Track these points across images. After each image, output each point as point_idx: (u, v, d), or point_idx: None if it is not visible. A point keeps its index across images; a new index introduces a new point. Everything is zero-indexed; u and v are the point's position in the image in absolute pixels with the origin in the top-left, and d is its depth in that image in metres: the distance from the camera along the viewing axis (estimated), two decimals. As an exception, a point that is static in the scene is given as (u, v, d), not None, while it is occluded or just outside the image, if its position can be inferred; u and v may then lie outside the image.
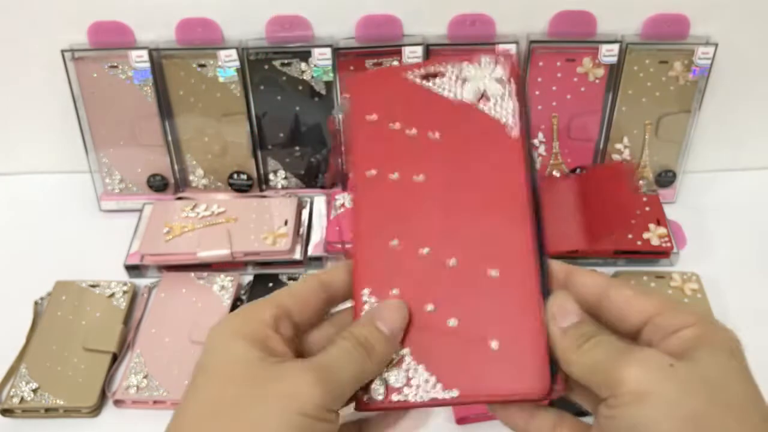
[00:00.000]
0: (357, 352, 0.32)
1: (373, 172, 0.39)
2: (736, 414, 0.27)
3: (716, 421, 0.27)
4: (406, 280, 0.36)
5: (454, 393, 0.34)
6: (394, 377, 0.35)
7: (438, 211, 0.37)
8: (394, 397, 0.34)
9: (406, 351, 0.35)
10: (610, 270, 0.78)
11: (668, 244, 0.78)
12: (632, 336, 0.33)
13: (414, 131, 0.39)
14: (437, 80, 0.39)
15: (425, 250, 0.36)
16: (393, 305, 0.35)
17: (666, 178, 0.87)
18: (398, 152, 0.39)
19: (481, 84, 0.39)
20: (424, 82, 0.40)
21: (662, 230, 0.79)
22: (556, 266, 0.36)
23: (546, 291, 0.35)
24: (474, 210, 0.37)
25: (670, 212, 0.83)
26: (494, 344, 0.34)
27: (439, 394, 0.34)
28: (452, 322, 0.35)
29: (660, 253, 0.79)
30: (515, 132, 0.38)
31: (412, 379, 0.34)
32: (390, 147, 0.39)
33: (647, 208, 0.81)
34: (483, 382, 0.34)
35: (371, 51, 0.80)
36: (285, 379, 0.30)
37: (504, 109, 0.38)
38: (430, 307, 0.36)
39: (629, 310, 0.32)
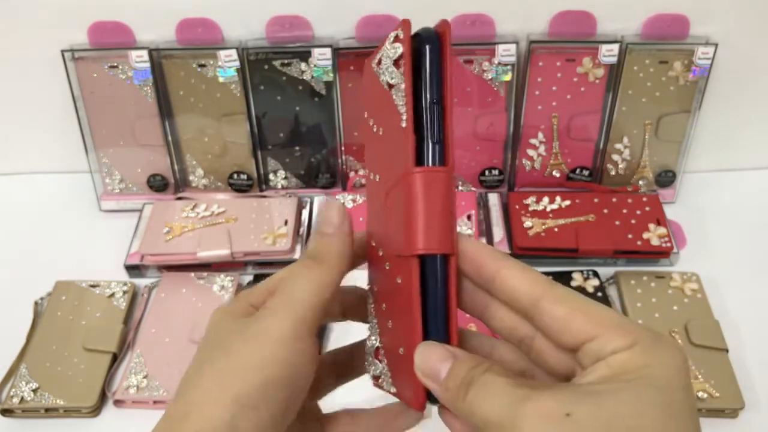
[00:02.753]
0: (310, 267, 0.34)
1: (365, 173, 0.38)
2: None
3: None
4: (375, 282, 0.37)
5: (394, 390, 0.35)
6: (373, 368, 0.36)
7: (380, 213, 0.35)
8: (377, 383, 0.36)
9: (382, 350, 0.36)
10: (610, 270, 0.78)
11: (668, 244, 0.78)
12: (570, 351, 0.29)
13: (377, 128, 0.35)
14: (381, 65, 0.34)
15: (380, 252, 0.36)
16: (328, 205, 0.36)
17: (666, 178, 0.87)
18: (371, 152, 0.37)
19: (388, 67, 0.33)
20: (376, 67, 0.35)
21: (662, 230, 0.79)
22: (485, 255, 0.31)
23: (438, 293, 0.32)
24: (387, 211, 0.34)
25: (670, 212, 0.83)
26: (401, 350, 0.33)
27: (392, 389, 0.35)
28: (389, 323, 0.35)
29: (660, 253, 0.79)
30: (405, 121, 0.32)
31: (382, 374, 0.36)
32: (368, 146, 0.37)
33: (647, 208, 0.82)
34: (397, 385, 0.34)
35: (371, 51, 0.80)
36: (256, 321, 0.33)
37: (400, 93, 0.32)
38: (383, 306, 0.35)
39: (562, 331, 0.29)
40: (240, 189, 0.89)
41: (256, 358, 0.31)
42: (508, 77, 0.81)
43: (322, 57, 0.79)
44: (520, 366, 0.33)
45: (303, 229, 0.83)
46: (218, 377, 0.31)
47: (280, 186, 0.89)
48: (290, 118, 0.85)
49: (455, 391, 0.29)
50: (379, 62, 0.34)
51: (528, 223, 0.80)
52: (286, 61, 0.81)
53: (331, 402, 0.39)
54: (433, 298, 0.32)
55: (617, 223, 0.80)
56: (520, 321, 0.31)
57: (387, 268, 0.34)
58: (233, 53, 0.80)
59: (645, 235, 0.79)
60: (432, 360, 0.30)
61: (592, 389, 0.26)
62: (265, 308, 0.33)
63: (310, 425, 0.37)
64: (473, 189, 0.88)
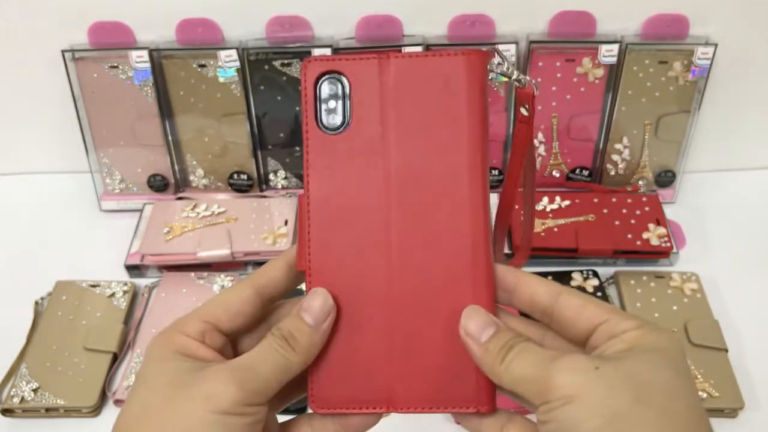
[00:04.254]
0: (279, 347, 0.34)
1: None
2: (659, 408, 0.29)
3: (637, 417, 0.28)
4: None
5: None
6: None
7: None
8: None
9: None
10: (610, 270, 0.78)
11: (668, 244, 0.78)
12: (580, 343, 0.33)
13: None
14: None
15: None
16: (314, 294, 0.35)
17: (665, 178, 0.87)
18: None
19: None
20: None
21: (662, 230, 0.79)
22: (505, 272, 0.35)
23: None
24: None
25: (670, 212, 0.84)
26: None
27: None
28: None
29: (659, 253, 0.79)
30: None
31: None
32: None
33: (647, 208, 0.82)
34: None
35: (371, 51, 0.80)
36: (203, 381, 0.32)
37: None
38: None
39: (578, 318, 0.33)
40: (240, 189, 0.89)
41: (201, 420, 0.31)
42: (508, 77, 0.81)
43: (322, 57, 0.79)
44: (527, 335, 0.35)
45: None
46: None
47: (280, 186, 0.89)
48: (290, 118, 0.85)
49: (495, 353, 0.32)
50: None
51: (528, 223, 0.80)
52: (286, 61, 0.81)
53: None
54: None
55: (617, 223, 0.80)
56: (528, 325, 0.35)
57: None
58: (233, 53, 0.80)
59: (645, 235, 0.79)
60: (479, 323, 0.33)
61: (611, 355, 0.31)
62: (224, 369, 0.32)
63: None
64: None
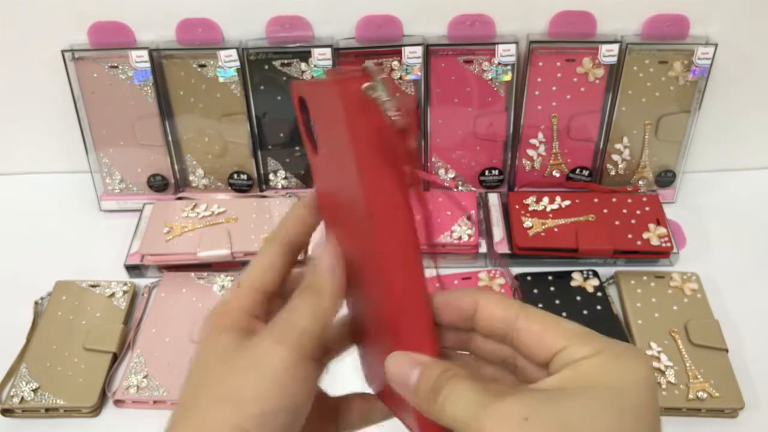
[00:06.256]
0: (308, 295, 0.35)
1: None
2: None
3: None
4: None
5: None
6: None
7: None
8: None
9: None
10: (610, 270, 0.78)
11: (668, 244, 0.78)
12: (545, 366, 0.31)
13: None
14: None
15: None
16: (321, 249, 0.37)
17: (666, 178, 0.87)
18: None
19: None
20: None
21: (662, 230, 0.79)
22: (461, 296, 0.34)
23: None
24: None
25: (670, 212, 0.84)
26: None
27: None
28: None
29: (660, 253, 0.79)
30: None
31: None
32: None
33: (647, 208, 0.82)
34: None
35: (371, 51, 0.80)
36: (252, 350, 0.33)
37: None
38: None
39: (537, 345, 0.31)
40: (240, 189, 0.89)
41: (258, 388, 0.31)
42: (508, 77, 0.81)
43: (322, 57, 0.80)
44: (501, 354, 0.34)
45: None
46: (217, 406, 0.31)
47: (280, 186, 0.89)
48: (290, 118, 0.85)
49: (426, 395, 0.31)
50: None
51: (528, 223, 0.80)
52: (286, 61, 0.81)
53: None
54: None
55: (617, 223, 0.80)
56: (502, 346, 0.34)
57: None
58: (233, 53, 0.80)
59: (645, 235, 0.79)
60: (402, 368, 0.32)
61: (551, 395, 0.28)
62: (267, 334, 0.33)
63: (325, 412, 0.38)
64: (473, 189, 0.88)
